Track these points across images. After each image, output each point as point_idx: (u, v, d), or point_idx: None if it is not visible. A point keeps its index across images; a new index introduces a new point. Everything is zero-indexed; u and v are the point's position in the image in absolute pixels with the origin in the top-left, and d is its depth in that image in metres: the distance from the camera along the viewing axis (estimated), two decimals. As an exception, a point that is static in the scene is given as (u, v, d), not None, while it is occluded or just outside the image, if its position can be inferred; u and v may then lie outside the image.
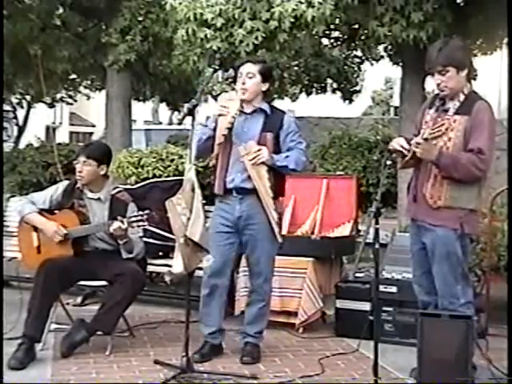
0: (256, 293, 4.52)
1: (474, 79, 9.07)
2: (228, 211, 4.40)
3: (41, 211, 4.70)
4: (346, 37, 9.11)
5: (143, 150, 7.45)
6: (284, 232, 5.50)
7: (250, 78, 4.33)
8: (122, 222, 4.47)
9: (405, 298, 4.85)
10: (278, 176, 4.40)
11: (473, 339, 3.87)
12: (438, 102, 4.02)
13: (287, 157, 4.33)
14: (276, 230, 4.31)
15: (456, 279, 3.96)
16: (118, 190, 4.82)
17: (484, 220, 5.11)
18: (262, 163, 4.26)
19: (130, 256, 4.62)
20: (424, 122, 4.03)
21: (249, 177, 4.30)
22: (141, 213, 4.53)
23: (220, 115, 4.29)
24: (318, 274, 5.23)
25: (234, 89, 4.49)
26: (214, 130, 4.32)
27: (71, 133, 28.80)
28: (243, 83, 4.33)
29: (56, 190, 4.77)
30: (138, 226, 4.53)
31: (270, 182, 4.29)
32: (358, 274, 5.52)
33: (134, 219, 4.50)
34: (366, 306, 4.94)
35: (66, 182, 4.88)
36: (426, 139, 3.79)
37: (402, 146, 3.92)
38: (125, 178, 6.99)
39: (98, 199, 4.70)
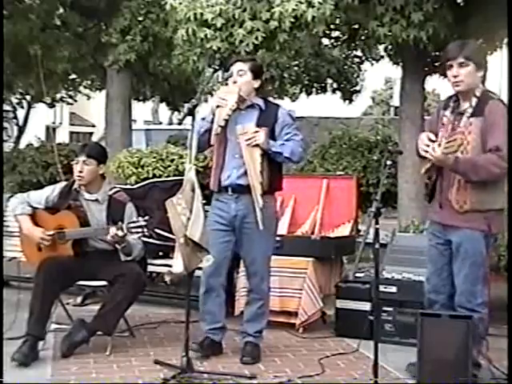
0: (254, 292, 4.52)
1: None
2: (224, 209, 4.40)
3: (44, 209, 4.70)
4: (346, 37, 9.10)
5: (143, 150, 7.46)
6: (284, 232, 5.51)
7: (241, 75, 4.35)
8: (121, 228, 4.46)
9: (405, 297, 4.85)
10: (274, 169, 4.40)
11: (478, 338, 3.89)
12: (452, 102, 4.03)
13: (283, 145, 4.34)
14: (259, 216, 4.26)
15: (477, 279, 3.97)
16: (115, 190, 4.81)
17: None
18: (257, 146, 4.27)
19: (129, 259, 4.62)
20: (441, 125, 4.03)
21: (245, 172, 4.30)
22: (140, 219, 4.53)
23: (218, 107, 4.29)
24: (318, 274, 5.23)
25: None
26: (212, 122, 4.32)
27: (71, 133, 28.80)
28: (234, 82, 4.35)
29: (52, 192, 4.76)
30: (137, 233, 4.53)
31: (261, 166, 4.28)
32: (358, 274, 5.51)
33: (132, 225, 4.49)
34: (366, 306, 4.94)
35: (62, 184, 4.87)
36: (444, 153, 3.77)
37: (427, 145, 3.89)
38: (125, 178, 7.00)
39: (96, 200, 4.69)
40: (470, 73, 3.91)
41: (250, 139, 4.27)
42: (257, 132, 4.27)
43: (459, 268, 3.99)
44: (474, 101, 3.93)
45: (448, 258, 4.06)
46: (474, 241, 3.93)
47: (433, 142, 3.88)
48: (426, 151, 3.86)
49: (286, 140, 4.36)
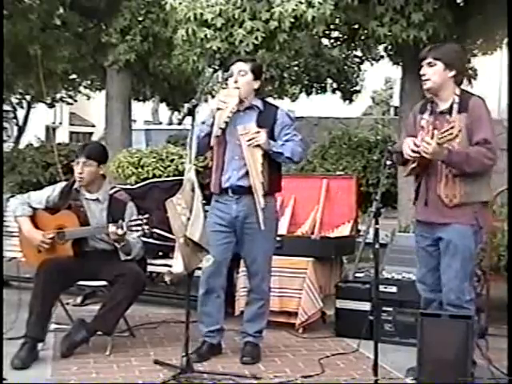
0: (254, 292, 4.52)
1: (474, 79, 9.10)
2: (224, 211, 4.40)
3: (44, 209, 4.70)
4: (346, 37, 9.11)
5: (143, 150, 7.46)
6: (284, 232, 5.51)
7: (242, 75, 4.35)
8: (121, 226, 4.46)
9: (405, 297, 4.84)
10: (274, 170, 4.41)
11: (473, 338, 3.88)
12: (429, 106, 4.07)
13: (283, 145, 4.35)
14: (260, 217, 4.27)
15: (466, 275, 3.98)
16: (115, 189, 4.82)
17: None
18: (258, 146, 4.28)
19: (128, 258, 4.62)
20: (420, 127, 4.04)
21: (246, 173, 4.31)
22: (140, 217, 4.53)
23: (218, 109, 4.30)
24: (318, 274, 5.23)
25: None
26: (212, 125, 4.32)
27: (71, 133, 28.79)
28: (235, 81, 4.35)
29: (53, 191, 4.76)
30: (137, 231, 4.53)
31: (262, 167, 4.29)
32: (357, 274, 5.51)
33: (133, 223, 4.50)
34: (366, 306, 4.93)
35: (63, 184, 4.87)
36: (438, 144, 3.78)
37: (413, 151, 3.91)
38: (125, 178, 7.00)
39: (97, 200, 4.69)
40: (437, 72, 3.98)
41: (251, 139, 4.27)
42: (258, 132, 4.28)
43: (448, 264, 3.99)
44: (457, 98, 3.98)
45: (438, 257, 4.06)
46: (464, 237, 3.94)
47: (417, 148, 3.88)
48: (417, 151, 3.87)
49: (286, 140, 4.37)
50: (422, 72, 4.02)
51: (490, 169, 3.97)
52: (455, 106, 3.96)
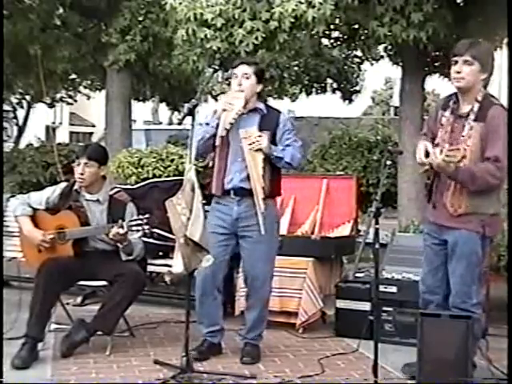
0: (253, 297, 4.48)
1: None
2: (225, 212, 4.39)
3: (45, 210, 4.70)
4: (346, 37, 9.11)
5: (143, 150, 7.47)
6: (284, 232, 5.51)
7: (247, 78, 4.36)
8: (122, 226, 4.46)
9: (405, 297, 4.85)
10: (275, 174, 4.41)
11: (473, 339, 3.88)
12: (451, 103, 4.02)
13: (284, 150, 4.36)
14: (261, 220, 4.28)
15: (472, 279, 3.96)
16: (116, 190, 4.82)
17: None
18: (260, 150, 4.29)
19: (130, 258, 4.62)
20: (440, 125, 4.01)
21: (248, 176, 4.31)
22: (141, 217, 4.53)
23: (224, 110, 4.30)
24: (318, 274, 5.23)
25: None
26: (217, 127, 4.32)
27: (71, 133, 28.82)
28: (239, 84, 4.35)
29: (53, 192, 4.76)
30: (138, 231, 4.53)
31: (263, 170, 4.30)
32: (358, 274, 5.51)
33: (134, 223, 4.50)
34: (365, 306, 4.93)
35: (63, 184, 4.87)
36: (444, 160, 3.76)
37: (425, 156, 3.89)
38: (125, 178, 7.00)
39: (97, 201, 4.69)
40: (473, 72, 3.90)
41: (252, 143, 4.28)
42: (260, 136, 4.29)
43: (454, 268, 3.98)
44: (476, 105, 3.90)
45: (443, 257, 4.05)
46: (470, 241, 3.92)
47: (427, 155, 3.86)
48: (423, 163, 3.86)
49: (287, 145, 4.38)
50: (456, 68, 3.90)
51: (498, 187, 3.90)
52: (471, 116, 3.89)
